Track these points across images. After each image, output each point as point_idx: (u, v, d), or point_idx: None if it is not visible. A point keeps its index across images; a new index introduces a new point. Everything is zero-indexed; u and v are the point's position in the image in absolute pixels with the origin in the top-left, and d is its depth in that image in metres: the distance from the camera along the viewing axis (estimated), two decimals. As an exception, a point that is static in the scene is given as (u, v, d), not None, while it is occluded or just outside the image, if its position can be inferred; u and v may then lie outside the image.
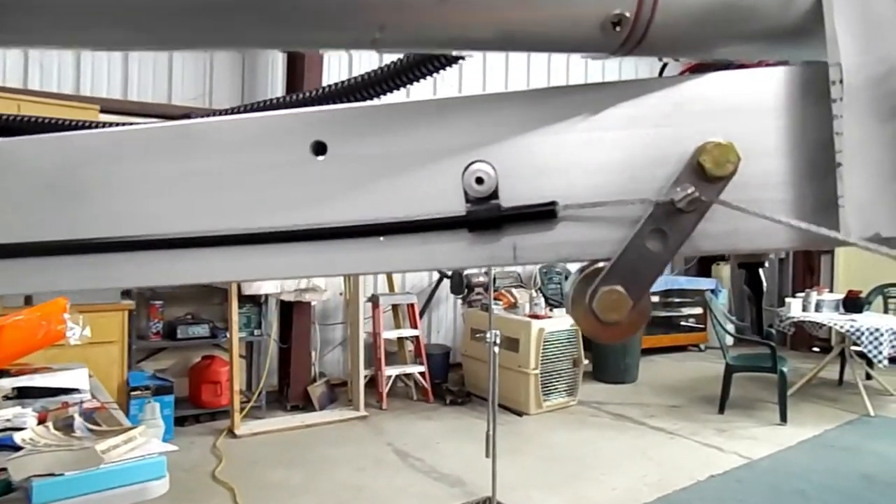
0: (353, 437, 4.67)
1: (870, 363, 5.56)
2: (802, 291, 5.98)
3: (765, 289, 0.74)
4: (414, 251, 0.56)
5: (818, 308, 5.80)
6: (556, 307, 5.73)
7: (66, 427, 1.88)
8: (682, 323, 7.83)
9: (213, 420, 4.84)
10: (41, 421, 1.89)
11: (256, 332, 5.23)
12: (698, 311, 7.68)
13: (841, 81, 0.50)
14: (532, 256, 0.57)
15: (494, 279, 5.91)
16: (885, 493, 3.76)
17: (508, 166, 0.57)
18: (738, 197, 0.53)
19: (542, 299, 5.65)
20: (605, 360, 6.24)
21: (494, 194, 0.56)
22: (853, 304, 5.79)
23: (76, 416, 1.93)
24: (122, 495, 1.57)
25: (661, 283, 7.60)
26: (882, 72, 0.48)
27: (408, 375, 5.70)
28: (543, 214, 0.55)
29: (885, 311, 6.36)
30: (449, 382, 5.78)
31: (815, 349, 7.37)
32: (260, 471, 3.98)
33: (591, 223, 0.55)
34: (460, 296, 6.00)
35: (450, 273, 6.03)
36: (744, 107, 0.54)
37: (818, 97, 0.52)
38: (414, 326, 5.69)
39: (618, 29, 0.50)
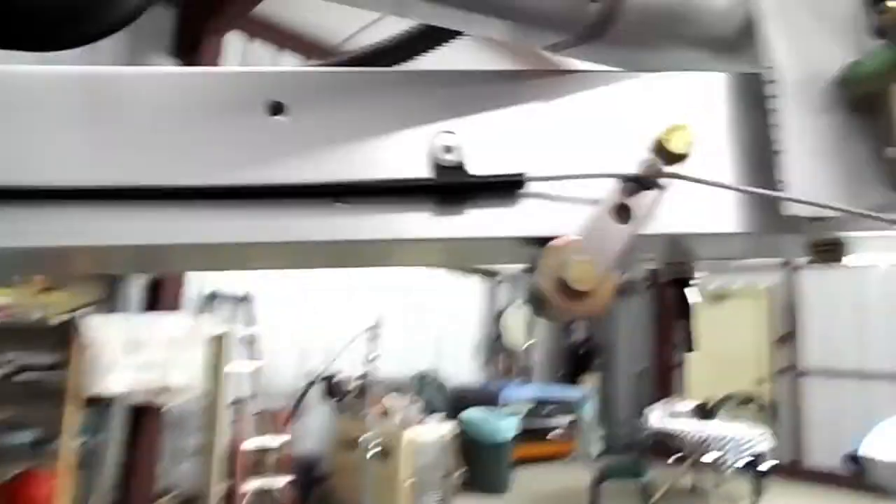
0: (201, 562, 4.11)
1: (720, 470, 5.90)
2: (659, 401, 6.34)
3: (692, 305, 0.77)
4: (374, 219, 0.53)
5: (674, 417, 6.15)
6: (431, 415, 5.61)
7: None
8: (553, 433, 7.94)
9: (27, 547, 4.07)
10: None
11: (96, 438, 4.60)
12: (568, 420, 7.86)
13: (776, 81, 0.57)
14: (496, 230, 0.56)
15: (368, 384, 5.73)
16: None
17: (476, 139, 0.57)
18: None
19: (417, 406, 5.53)
20: (478, 470, 6.11)
21: (461, 166, 0.56)
22: (704, 412, 6.21)
23: None
24: None
25: (530, 393, 7.75)
26: (810, 73, 0.56)
27: (270, 488, 5.21)
28: (510, 185, 0.56)
29: (732, 419, 6.87)
30: (316, 495, 5.35)
31: (675, 457, 7.72)
32: None
33: (556, 198, 0.57)
34: (334, 399, 5.73)
35: (321, 377, 5.77)
36: (697, 102, 0.61)
37: (756, 100, 0.60)
38: (282, 434, 5.29)
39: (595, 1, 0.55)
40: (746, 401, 6.98)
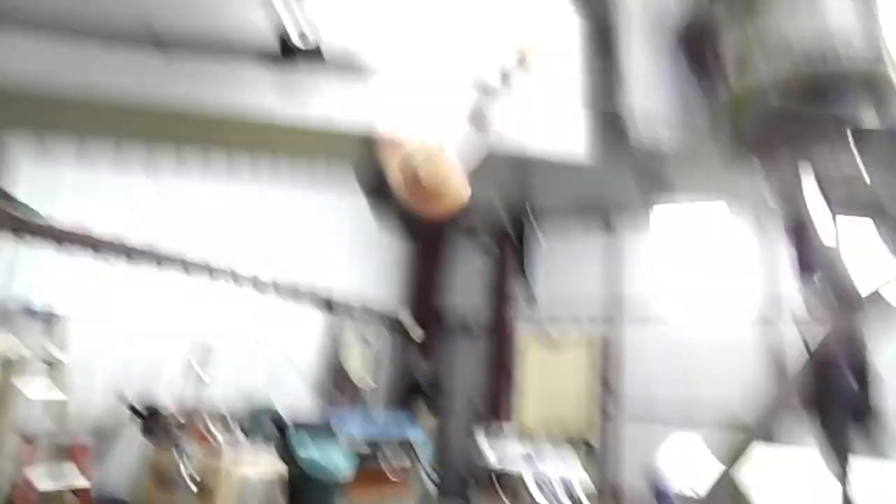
0: None
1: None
2: (492, 441, 6.51)
3: (531, 260, 0.77)
4: (206, 76, 0.47)
5: (505, 456, 6.34)
6: (260, 449, 5.26)
7: None
8: (388, 471, 7.79)
9: None
10: None
11: None
12: (405, 458, 7.76)
13: (626, 26, 0.61)
14: (342, 115, 0.53)
15: (191, 414, 5.25)
16: None
17: (329, 22, 0.55)
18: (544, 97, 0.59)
19: (244, 439, 5.16)
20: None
21: (309, 42, 0.53)
22: (537, 451, 6.47)
23: None
24: None
25: (367, 430, 7.57)
26: (655, 22, 0.60)
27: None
28: (360, 68, 0.54)
29: (559, 460, 7.20)
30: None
31: (504, 495, 7.91)
32: None
33: (407, 95, 0.56)
34: (151, 430, 5.17)
35: (137, 405, 5.19)
36: (554, 31, 0.63)
37: (606, 42, 0.63)
38: (83, 472, 4.64)
39: None
40: (573, 442, 7.39)
